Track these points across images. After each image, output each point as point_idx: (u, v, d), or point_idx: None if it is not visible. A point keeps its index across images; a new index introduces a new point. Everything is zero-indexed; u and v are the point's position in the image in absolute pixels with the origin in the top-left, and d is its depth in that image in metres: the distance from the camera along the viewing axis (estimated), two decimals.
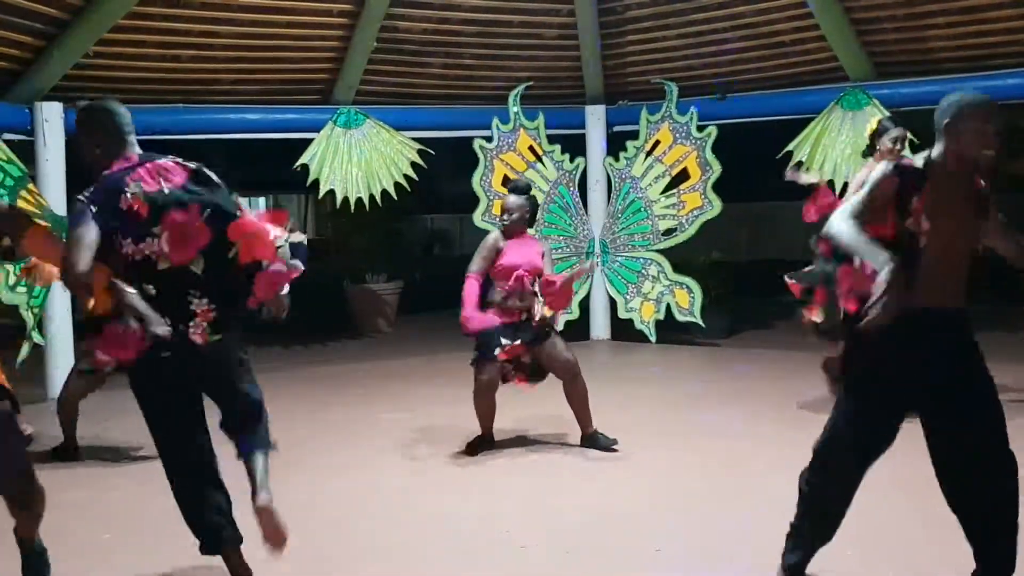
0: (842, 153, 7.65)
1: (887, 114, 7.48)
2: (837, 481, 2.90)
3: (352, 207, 8.31)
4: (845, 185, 7.59)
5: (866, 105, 7.56)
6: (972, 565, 2.84)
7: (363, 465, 4.91)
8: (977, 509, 2.80)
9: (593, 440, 4.94)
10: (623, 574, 3.41)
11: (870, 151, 5.24)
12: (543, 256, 5.01)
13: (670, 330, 8.50)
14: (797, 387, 5.85)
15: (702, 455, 4.88)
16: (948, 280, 2.77)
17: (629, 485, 4.42)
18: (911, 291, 2.65)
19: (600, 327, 8.99)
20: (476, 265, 4.91)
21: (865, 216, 2.72)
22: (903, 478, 3.53)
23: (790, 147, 7.78)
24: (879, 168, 2.81)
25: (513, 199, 5.07)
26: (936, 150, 2.79)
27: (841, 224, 2.71)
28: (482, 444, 4.97)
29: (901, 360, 2.76)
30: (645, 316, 8.50)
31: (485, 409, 4.90)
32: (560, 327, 8.33)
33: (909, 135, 5.36)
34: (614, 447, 4.87)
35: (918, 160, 2.82)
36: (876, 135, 5.17)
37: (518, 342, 4.75)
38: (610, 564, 3.48)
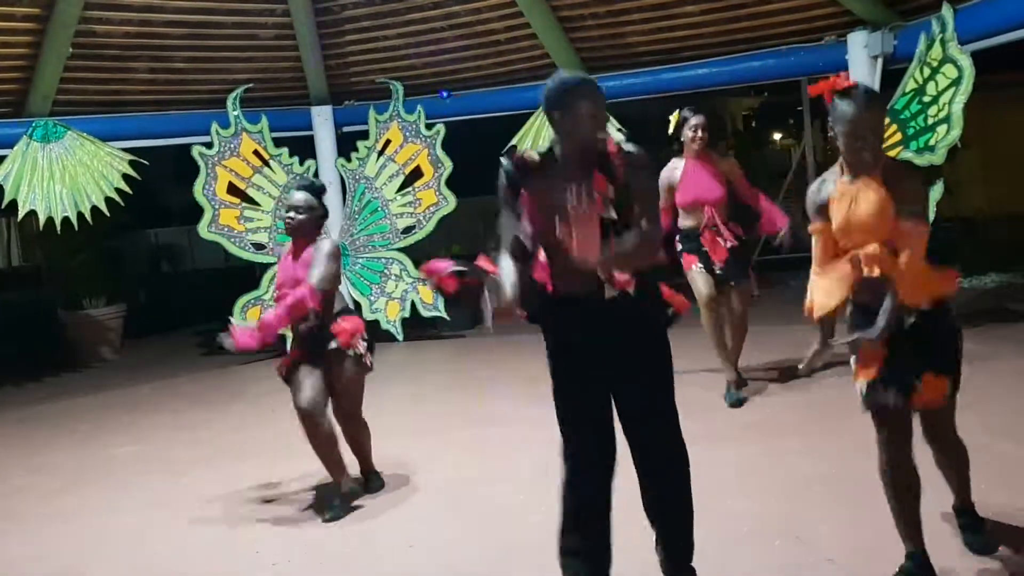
0: None
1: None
2: (572, 470, 2.81)
3: (59, 228, 7.57)
4: None
5: None
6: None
7: (95, 507, 4.49)
8: (649, 492, 2.84)
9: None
10: (378, 569, 3.39)
11: (678, 145, 5.31)
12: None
13: (417, 327, 8.56)
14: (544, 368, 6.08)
15: (459, 446, 4.96)
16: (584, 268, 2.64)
17: (386, 481, 4.39)
18: (558, 279, 2.73)
19: None
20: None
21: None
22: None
23: (514, 141, 8.09)
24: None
25: (299, 195, 4.12)
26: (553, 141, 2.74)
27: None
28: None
29: (561, 342, 2.80)
30: (391, 315, 8.49)
31: None
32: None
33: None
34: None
35: (535, 154, 2.75)
36: (679, 127, 5.26)
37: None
38: (359, 563, 3.46)
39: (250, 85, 8.25)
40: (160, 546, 3.86)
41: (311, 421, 3.92)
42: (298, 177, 4.29)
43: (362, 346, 4.09)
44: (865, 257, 2.72)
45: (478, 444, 4.93)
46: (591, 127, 2.65)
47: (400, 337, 8.46)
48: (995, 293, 8.39)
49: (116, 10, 7.56)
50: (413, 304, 8.41)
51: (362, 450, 4.32)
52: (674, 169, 5.32)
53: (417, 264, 8.41)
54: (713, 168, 5.28)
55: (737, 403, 5.16)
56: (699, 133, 5.19)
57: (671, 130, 5.33)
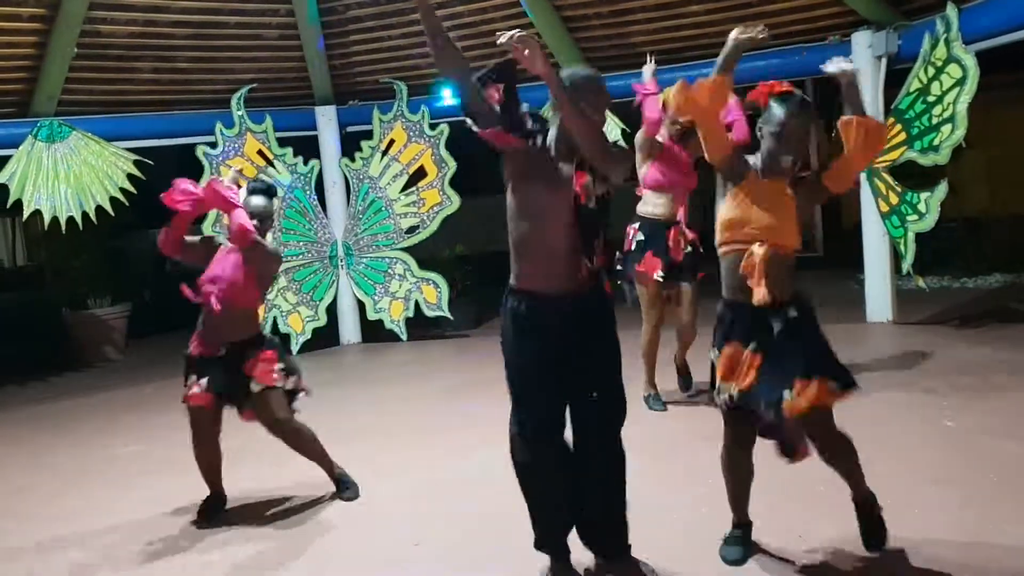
0: None
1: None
2: (524, 458, 2.97)
3: (64, 227, 7.59)
4: None
5: None
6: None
7: (98, 507, 4.49)
8: (586, 487, 2.99)
9: (336, 484, 4.27)
10: (383, 570, 3.39)
11: (681, 126, 5.00)
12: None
13: (420, 326, 8.57)
14: None
15: (462, 445, 4.96)
16: (552, 264, 2.81)
17: (389, 483, 4.39)
18: (531, 278, 2.85)
19: (350, 331, 8.87)
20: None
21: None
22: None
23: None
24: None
25: (257, 201, 4.07)
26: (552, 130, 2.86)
27: None
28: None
29: (521, 337, 2.90)
30: (394, 315, 8.49)
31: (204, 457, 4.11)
32: (307, 336, 8.29)
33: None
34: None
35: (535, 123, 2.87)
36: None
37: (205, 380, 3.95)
38: (371, 561, 3.46)
39: (254, 85, 8.27)
40: (163, 547, 3.85)
41: (284, 430, 4.00)
42: (253, 179, 4.19)
43: (281, 378, 3.97)
44: (753, 258, 2.79)
45: (481, 444, 4.93)
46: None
47: (404, 337, 8.46)
48: (998, 293, 8.38)
49: (121, 10, 7.58)
50: (417, 303, 8.41)
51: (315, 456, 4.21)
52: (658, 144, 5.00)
53: (421, 264, 8.42)
54: (688, 153, 4.98)
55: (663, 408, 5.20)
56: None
57: (667, 111, 4.85)
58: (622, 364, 3.01)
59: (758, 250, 2.78)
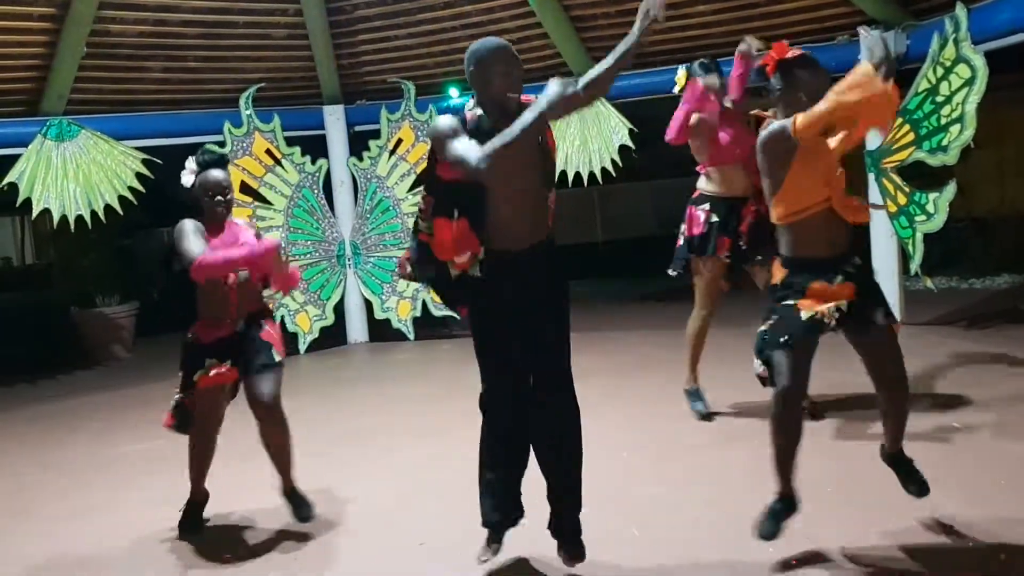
0: (571, 145, 8.10)
1: (608, 107, 8.04)
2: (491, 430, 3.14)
3: (72, 226, 7.62)
4: (576, 175, 8.07)
5: None
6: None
7: (108, 503, 4.51)
8: (539, 449, 3.11)
9: (292, 500, 3.97)
10: (388, 569, 3.40)
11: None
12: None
13: (428, 326, 8.58)
14: None
15: (468, 445, 4.96)
16: (516, 224, 2.91)
17: (393, 482, 4.40)
18: (493, 231, 2.92)
19: (357, 330, 8.89)
20: (195, 249, 3.74)
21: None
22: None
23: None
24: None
25: (218, 174, 3.84)
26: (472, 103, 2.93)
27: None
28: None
29: (486, 297, 3.00)
30: (402, 314, 8.51)
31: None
32: (314, 335, 8.32)
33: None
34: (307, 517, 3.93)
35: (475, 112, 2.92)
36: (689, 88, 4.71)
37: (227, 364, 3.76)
38: (375, 560, 3.48)
39: (262, 84, 8.29)
40: (171, 544, 3.87)
41: (278, 415, 3.77)
42: (201, 152, 3.90)
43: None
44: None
45: None
46: (504, 85, 2.86)
47: (411, 336, 8.48)
48: (1007, 294, 8.35)
49: (131, 10, 7.61)
50: (424, 303, 8.42)
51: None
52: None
53: None
54: (741, 121, 4.65)
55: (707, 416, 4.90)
56: (712, 99, 4.54)
57: (677, 90, 4.73)
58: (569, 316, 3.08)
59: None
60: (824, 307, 2.98)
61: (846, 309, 3.00)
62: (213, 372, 3.70)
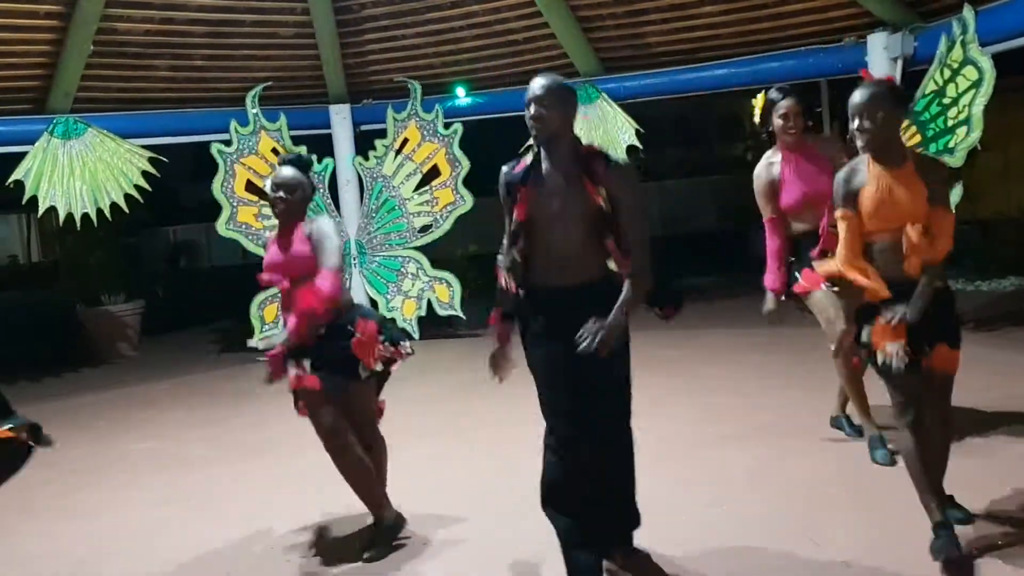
0: None
1: (615, 108, 8.03)
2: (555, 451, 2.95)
3: (79, 224, 7.64)
4: None
5: (596, 99, 8.04)
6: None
7: (111, 503, 4.52)
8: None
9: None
10: (391, 569, 3.40)
11: (768, 134, 4.31)
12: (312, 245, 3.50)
13: (433, 325, 8.58)
14: None
15: (473, 446, 4.96)
16: (560, 262, 2.88)
17: (398, 481, 4.40)
18: (535, 269, 2.92)
19: None
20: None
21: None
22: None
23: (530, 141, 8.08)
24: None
25: (287, 172, 3.59)
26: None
27: None
28: None
29: (532, 332, 2.98)
30: (407, 314, 8.51)
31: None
32: None
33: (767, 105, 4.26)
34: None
35: (529, 157, 2.96)
36: (766, 113, 4.23)
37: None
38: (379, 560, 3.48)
39: (269, 83, 8.29)
40: (176, 542, 3.88)
41: (338, 442, 3.46)
42: (282, 154, 3.63)
43: (386, 352, 3.56)
44: (912, 234, 2.89)
45: (493, 445, 4.94)
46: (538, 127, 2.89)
47: (416, 336, 8.47)
48: (1013, 296, 8.32)
49: (137, 8, 7.63)
50: (429, 303, 8.42)
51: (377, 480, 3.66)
52: (771, 164, 4.24)
53: (434, 263, 8.44)
54: (817, 156, 4.16)
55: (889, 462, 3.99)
56: (790, 121, 4.12)
57: (756, 118, 4.33)
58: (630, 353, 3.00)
59: (913, 232, 2.90)
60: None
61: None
62: (293, 375, 3.43)
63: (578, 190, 2.86)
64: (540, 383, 2.99)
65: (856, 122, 2.96)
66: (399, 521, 3.66)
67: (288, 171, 3.57)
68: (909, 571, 2.87)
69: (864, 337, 3.02)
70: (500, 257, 3.06)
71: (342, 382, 3.45)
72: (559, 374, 2.89)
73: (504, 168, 3.00)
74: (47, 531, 4.14)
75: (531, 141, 2.96)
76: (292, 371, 3.41)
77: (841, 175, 3.10)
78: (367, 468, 3.54)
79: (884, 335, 2.93)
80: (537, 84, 2.94)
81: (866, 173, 3.01)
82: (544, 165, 2.93)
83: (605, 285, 2.90)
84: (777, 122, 4.16)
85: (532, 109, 2.90)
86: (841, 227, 3.07)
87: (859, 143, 3.00)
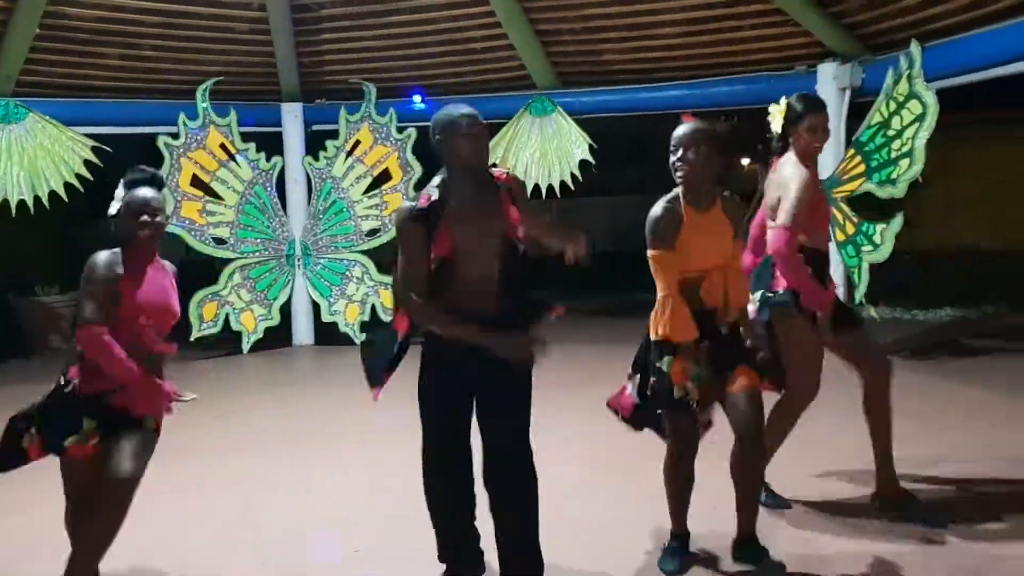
0: (532, 156, 8.13)
1: (570, 122, 8.07)
2: (436, 488, 3.08)
3: (14, 211, 7.41)
4: (535, 187, 8.08)
5: (551, 112, 8.08)
6: None
7: (41, 500, 4.35)
8: (498, 517, 2.96)
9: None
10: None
11: (779, 145, 3.80)
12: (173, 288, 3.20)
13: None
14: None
15: (409, 452, 4.90)
16: (479, 286, 2.86)
17: (331, 484, 4.34)
18: (456, 295, 2.88)
19: (303, 332, 8.76)
20: (91, 311, 2.95)
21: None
22: None
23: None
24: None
25: (150, 193, 3.02)
26: (443, 174, 2.87)
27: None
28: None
29: (440, 365, 3.07)
30: (350, 318, 8.41)
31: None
32: (258, 335, 8.18)
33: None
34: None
35: (433, 191, 2.83)
36: (789, 122, 3.70)
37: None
38: (309, 567, 3.44)
39: (221, 78, 8.16)
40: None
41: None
42: (129, 169, 3.12)
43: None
44: (709, 284, 3.03)
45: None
46: (476, 155, 2.84)
47: (358, 341, 8.37)
48: (949, 327, 8.54)
49: None
50: (374, 308, 8.34)
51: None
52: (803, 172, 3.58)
53: (380, 268, 8.36)
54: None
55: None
56: (823, 134, 3.64)
57: (777, 128, 3.79)
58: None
59: (714, 278, 3.07)
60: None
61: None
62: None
63: (498, 217, 2.86)
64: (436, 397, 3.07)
65: (680, 152, 2.95)
66: None
67: (150, 191, 3.01)
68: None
69: (664, 367, 3.04)
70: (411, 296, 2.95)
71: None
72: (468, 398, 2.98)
73: (406, 204, 2.89)
74: None
75: (439, 174, 2.92)
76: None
77: (658, 212, 3.00)
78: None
79: (685, 372, 3.00)
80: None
81: (682, 214, 2.99)
82: (457, 195, 2.84)
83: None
84: (804, 136, 3.62)
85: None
86: (658, 266, 3.02)
87: (677, 175, 2.98)
